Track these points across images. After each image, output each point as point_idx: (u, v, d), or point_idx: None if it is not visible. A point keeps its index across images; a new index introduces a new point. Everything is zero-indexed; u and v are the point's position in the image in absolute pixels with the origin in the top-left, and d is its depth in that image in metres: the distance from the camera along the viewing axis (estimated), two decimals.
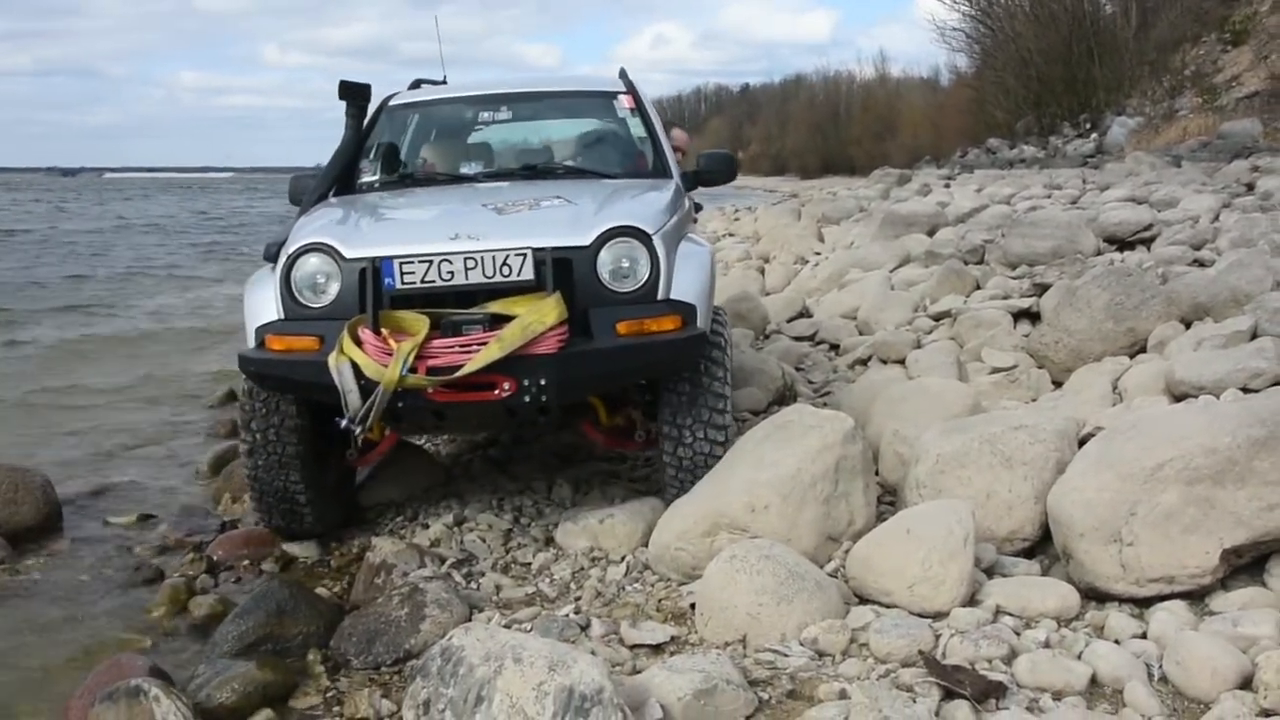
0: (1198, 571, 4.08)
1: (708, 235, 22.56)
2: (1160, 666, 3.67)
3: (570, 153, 7.15)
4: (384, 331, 4.63)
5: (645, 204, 5.44)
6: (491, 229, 4.89)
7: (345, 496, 5.94)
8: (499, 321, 4.62)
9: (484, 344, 4.54)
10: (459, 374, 4.52)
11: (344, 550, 5.68)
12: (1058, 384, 7.01)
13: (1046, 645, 3.84)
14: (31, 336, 15.32)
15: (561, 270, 4.72)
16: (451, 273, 4.70)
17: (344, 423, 4.70)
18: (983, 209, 14.77)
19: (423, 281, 4.71)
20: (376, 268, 4.74)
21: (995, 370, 7.29)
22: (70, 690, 4.14)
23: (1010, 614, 4.08)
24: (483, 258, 4.68)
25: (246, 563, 5.57)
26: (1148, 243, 10.40)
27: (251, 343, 5.02)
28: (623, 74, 7.31)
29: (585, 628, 4.26)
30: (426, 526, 5.64)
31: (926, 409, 5.77)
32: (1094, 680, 3.61)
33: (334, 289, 4.87)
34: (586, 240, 4.81)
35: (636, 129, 6.88)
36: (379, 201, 6.19)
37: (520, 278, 4.68)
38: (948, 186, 24.16)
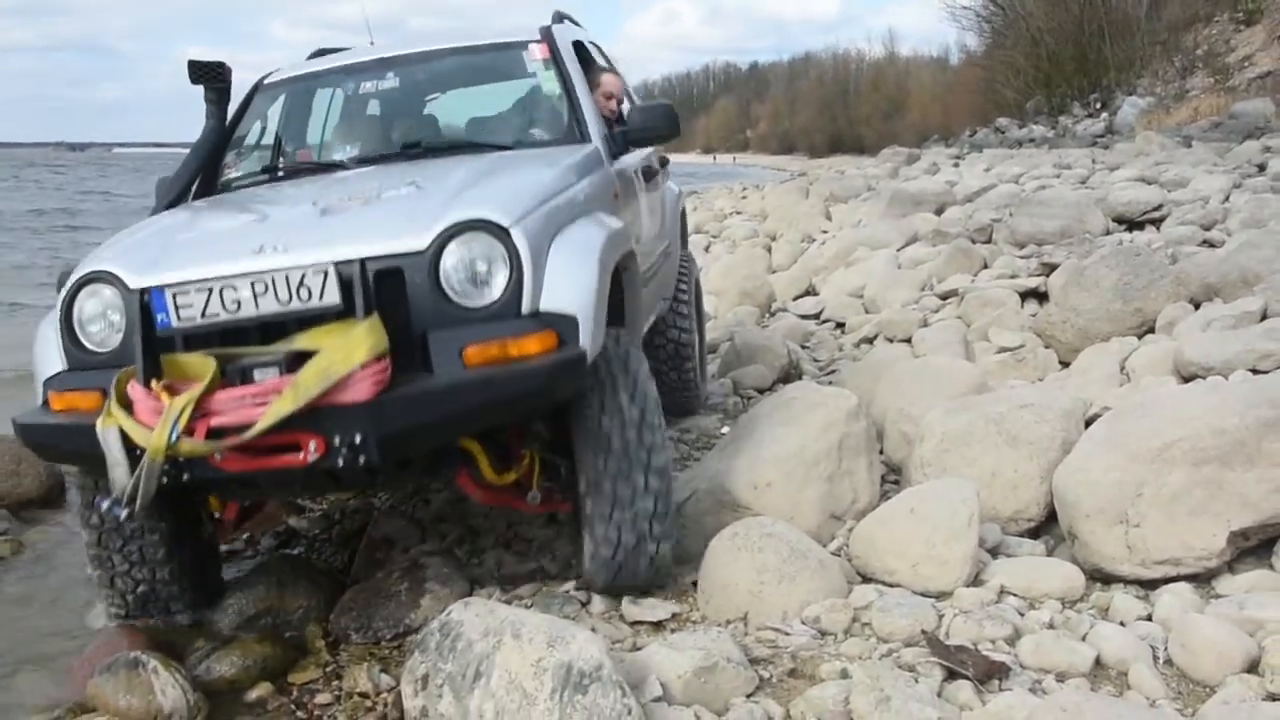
0: (1204, 554, 4.03)
1: (713, 214, 22.55)
2: (1165, 649, 3.63)
3: (464, 122, 5.99)
4: (154, 385, 3.68)
5: (514, 184, 4.27)
6: (302, 237, 3.86)
7: (213, 573, 4.76)
8: (301, 361, 3.61)
9: (280, 391, 3.55)
10: (245, 436, 3.54)
11: (345, 525, 5.65)
12: (1065, 364, 6.97)
13: (1051, 626, 3.81)
14: None
15: (389, 286, 3.71)
16: (238, 302, 3.71)
17: (105, 505, 3.72)
18: (991, 188, 14.71)
19: (204, 316, 3.73)
20: (145, 303, 3.78)
21: (1002, 349, 7.26)
22: (72, 661, 4.19)
23: (1015, 594, 4.04)
24: (273, 279, 3.69)
25: (246, 536, 5.54)
26: (1157, 223, 10.34)
27: (39, 399, 4.08)
28: (555, 17, 6.19)
29: (586, 604, 4.23)
30: (428, 502, 5.61)
31: (932, 388, 5.73)
32: (1098, 662, 3.57)
33: (122, 329, 3.90)
34: (422, 243, 3.74)
35: (550, 85, 5.57)
36: (209, 207, 5.13)
37: (324, 302, 3.68)
38: (956, 166, 24.07)
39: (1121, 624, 3.81)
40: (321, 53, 6.44)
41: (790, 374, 7.60)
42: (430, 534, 5.04)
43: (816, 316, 9.87)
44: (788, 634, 3.84)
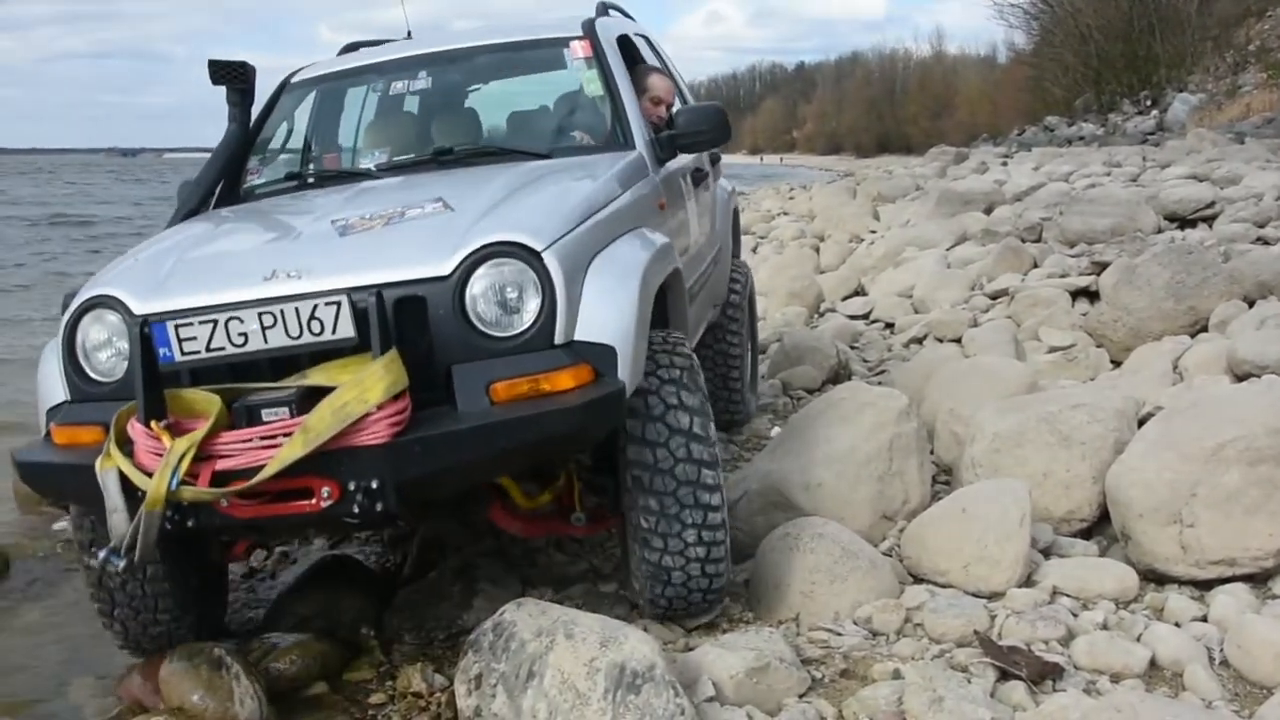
0: (1260, 554, 3.99)
1: (761, 215, 22.52)
2: (1221, 650, 3.60)
3: (502, 125, 5.60)
4: (155, 424, 3.40)
5: (549, 201, 3.99)
6: (316, 262, 3.56)
7: (220, 602, 4.60)
8: (314, 399, 3.32)
9: (290, 433, 3.27)
10: (253, 482, 3.26)
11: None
12: (1116, 363, 6.93)
13: (1104, 627, 3.78)
14: None
15: (410, 315, 3.42)
16: (245, 335, 3.42)
17: (102, 555, 3.41)
18: (1040, 187, 14.62)
19: (209, 350, 3.44)
20: (146, 332, 3.48)
21: (1053, 349, 7.23)
22: (123, 662, 4.26)
23: (1068, 595, 4.02)
24: (283, 311, 3.40)
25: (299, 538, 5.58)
26: (1209, 220, 10.26)
27: (42, 431, 3.83)
28: (599, 9, 5.77)
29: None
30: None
31: (983, 388, 5.70)
32: (1153, 663, 3.54)
33: (129, 357, 3.59)
34: (446, 268, 3.44)
35: (592, 86, 5.19)
36: (226, 220, 4.78)
37: (337, 335, 3.40)
38: (1005, 164, 23.93)
39: (1176, 625, 3.78)
40: (354, 47, 6.14)
41: (839, 374, 7.59)
42: (482, 534, 5.06)
43: (865, 317, 9.85)
44: (840, 634, 3.84)
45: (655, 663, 3.16)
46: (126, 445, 3.42)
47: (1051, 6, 45.21)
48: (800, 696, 3.44)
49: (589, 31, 5.32)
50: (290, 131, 5.54)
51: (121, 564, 3.37)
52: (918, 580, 4.25)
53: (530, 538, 4.46)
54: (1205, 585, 4.05)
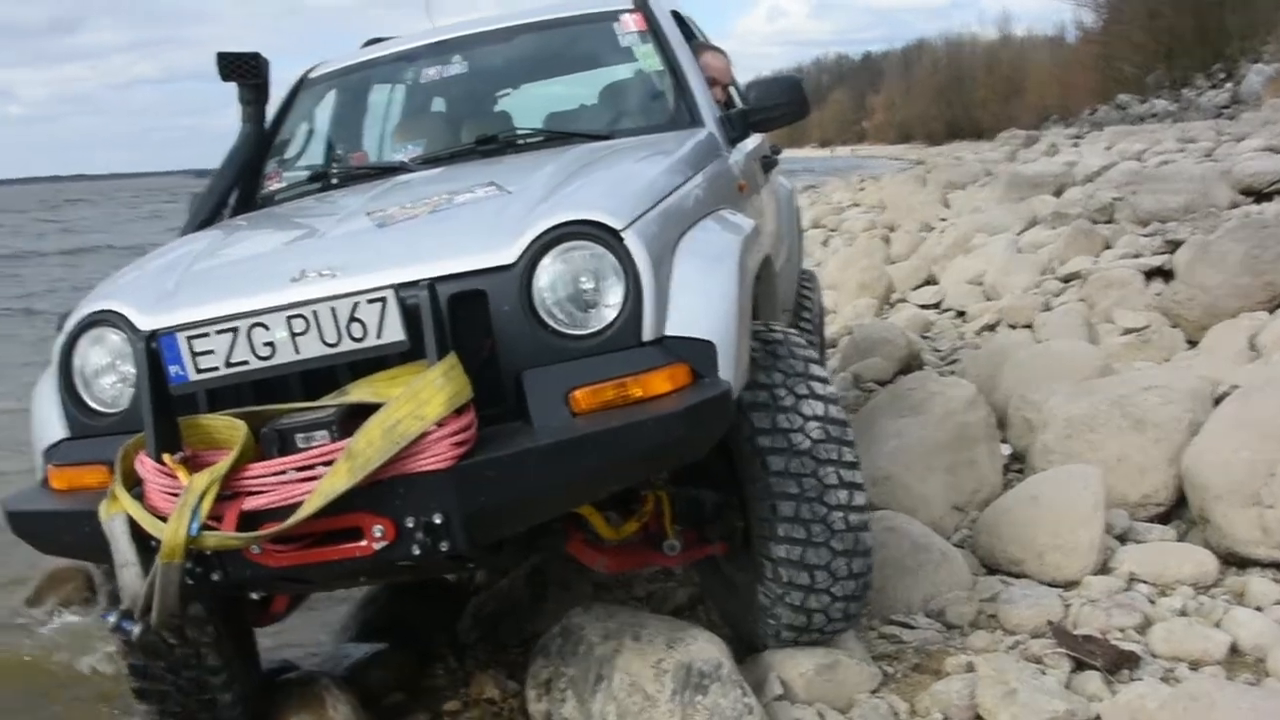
0: None
1: (831, 207, 22.42)
2: None
3: (549, 108, 5.09)
4: (167, 459, 2.85)
5: (620, 178, 3.50)
6: (353, 257, 3.06)
7: (255, 665, 3.92)
8: (362, 418, 2.76)
9: (331, 462, 2.72)
10: (289, 523, 2.71)
11: None
12: (1193, 343, 6.77)
13: (1183, 613, 3.71)
14: None
15: (469, 314, 2.89)
16: (271, 344, 2.87)
17: (112, 620, 2.92)
18: (1111, 166, 14.39)
19: (228, 365, 2.88)
20: (153, 350, 2.91)
21: (1127, 331, 7.09)
22: None
23: (1144, 581, 3.96)
24: (316, 313, 2.85)
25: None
26: None
27: (38, 475, 3.26)
28: None
29: (701, 603, 4.23)
30: None
31: (1055, 372, 5.62)
32: (1234, 649, 3.47)
33: (135, 384, 3.07)
34: (509, 255, 2.92)
35: (649, 61, 4.67)
36: (243, 226, 4.31)
37: (383, 340, 2.83)
38: (1076, 145, 23.66)
39: (1258, 609, 3.70)
40: (375, 42, 5.55)
41: (911, 365, 7.51)
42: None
43: (936, 306, 9.75)
44: (912, 628, 3.80)
45: (722, 662, 3.15)
46: (135, 485, 2.88)
47: None
48: (872, 692, 3.40)
49: (640, 4, 4.81)
50: (311, 131, 4.99)
51: (136, 629, 2.86)
52: (992, 570, 4.20)
53: (617, 573, 3.94)
54: None
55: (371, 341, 2.84)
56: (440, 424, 2.71)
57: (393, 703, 3.99)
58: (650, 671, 3.17)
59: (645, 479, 3.25)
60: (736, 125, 4.48)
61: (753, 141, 4.93)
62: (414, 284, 2.84)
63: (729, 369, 2.93)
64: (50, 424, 3.21)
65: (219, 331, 2.88)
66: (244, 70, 4.64)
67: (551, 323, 2.91)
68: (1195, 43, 38.28)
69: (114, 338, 3.13)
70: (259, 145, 4.76)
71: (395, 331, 2.82)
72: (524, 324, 2.89)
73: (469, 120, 4.93)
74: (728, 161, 4.21)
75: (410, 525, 2.75)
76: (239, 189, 4.67)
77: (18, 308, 19.95)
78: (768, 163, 5.46)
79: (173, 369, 2.90)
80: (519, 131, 4.59)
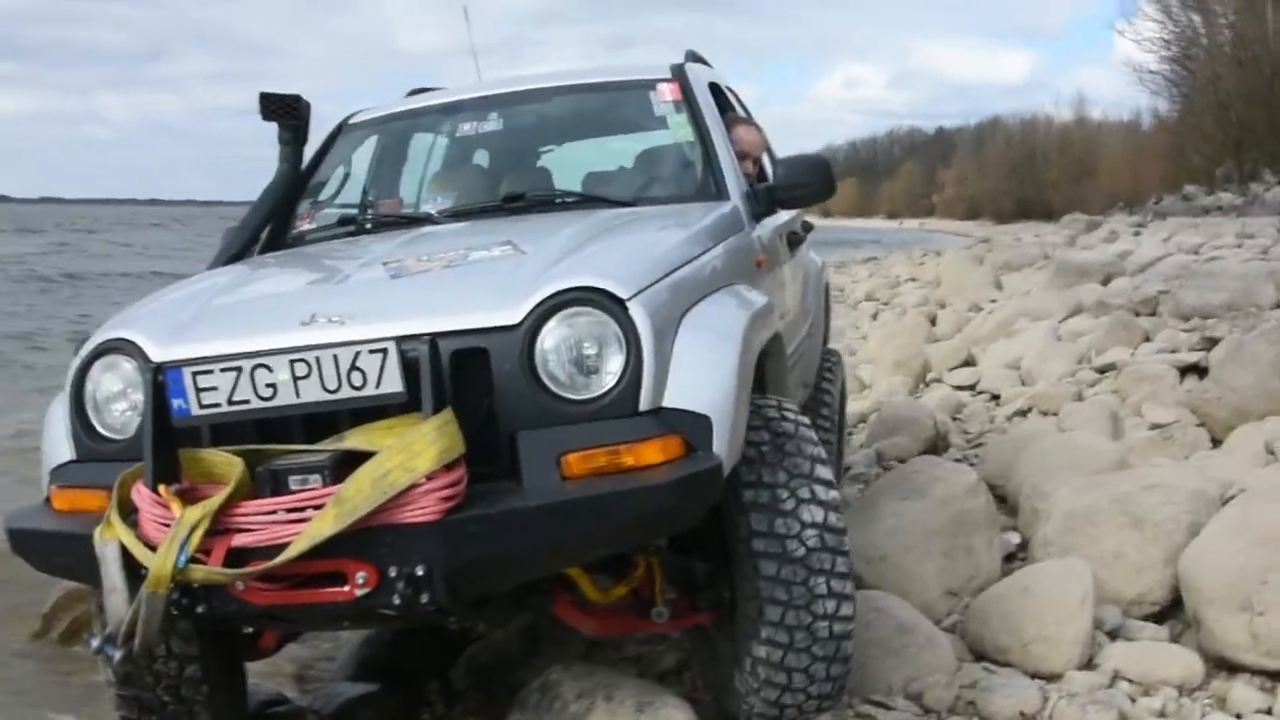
0: None
1: (888, 281, 22.45)
2: None
3: (580, 171, 5.16)
4: (163, 490, 2.92)
5: (633, 247, 3.58)
6: (362, 305, 3.13)
7: (243, 702, 4.05)
8: (355, 465, 2.83)
9: (321, 506, 2.79)
10: (274, 562, 2.78)
11: None
12: (1218, 442, 6.76)
13: (1162, 715, 3.74)
14: None
15: (469, 370, 2.95)
16: (273, 386, 2.95)
17: (95, 643, 3.00)
18: (1163, 259, 14.36)
19: (230, 403, 2.97)
20: (159, 382, 3.01)
21: (1154, 426, 7.08)
22: None
23: (1129, 679, 3.96)
24: (318, 359, 2.93)
25: None
26: None
27: (44, 493, 3.36)
28: (688, 56, 5.31)
29: (688, 668, 4.28)
30: None
31: (1071, 464, 5.63)
32: None
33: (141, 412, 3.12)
34: (514, 316, 2.98)
35: (681, 131, 4.77)
36: (268, 264, 4.45)
37: (381, 390, 2.91)
38: (1137, 234, 23.60)
39: (1238, 716, 3.72)
40: (420, 92, 5.65)
41: (937, 446, 7.53)
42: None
43: (972, 388, 9.75)
44: (890, 709, 3.83)
45: None
46: (131, 514, 2.96)
47: (1192, 73, 44.37)
48: None
49: (678, 74, 4.94)
50: (347, 175, 5.11)
51: (118, 655, 2.90)
52: (979, 658, 4.22)
53: (603, 637, 3.96)
54: (1277, 677, 3.96)
55: (370, 391, 2.90)
56: (430, 477, 2.76)
57: None
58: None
59: (633, 546, 3.27)
60: (762, 200, 4.54)
61: (782, 216, 5.03)
62: (416, 336, 2.90)
63: (723, 444, 2.97)
64: (59, 445, 3.30)
65: (223, 369, 2.96)
66: (284, 111, 4.77)
67: (551, 385, 2.95)
68: (1266, 135, 38.04)
69: (126, 366, 3.19)
70: (294, 185, 4.87)
71: (394, 383, 2.89)
72: (523, 385, 2.94)
73: (501, 176, 5.05)
74: (749, 235, 4.28)
75: (393, 574, 2.80)
76: (271, 226, 4.80)
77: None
78: (794, 239, 5.54)
79: (176, 402, 2.98)
80: (545, 192, 4.72)
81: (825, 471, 3.40)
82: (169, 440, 2.98)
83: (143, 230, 69.42)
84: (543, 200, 4.57)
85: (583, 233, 3.63)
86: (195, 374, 2.97)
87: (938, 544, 4.59)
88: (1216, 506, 4.67)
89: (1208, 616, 4.09)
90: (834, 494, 3.38)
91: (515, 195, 4.58)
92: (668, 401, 2.98)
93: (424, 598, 2.81)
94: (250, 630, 3.67)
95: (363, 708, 4.28)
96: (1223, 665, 4.05)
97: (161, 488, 2.91)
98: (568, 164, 5.30)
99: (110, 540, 2.90)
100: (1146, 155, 56.94)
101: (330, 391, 2.93)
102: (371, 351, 2.90)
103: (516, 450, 2.91)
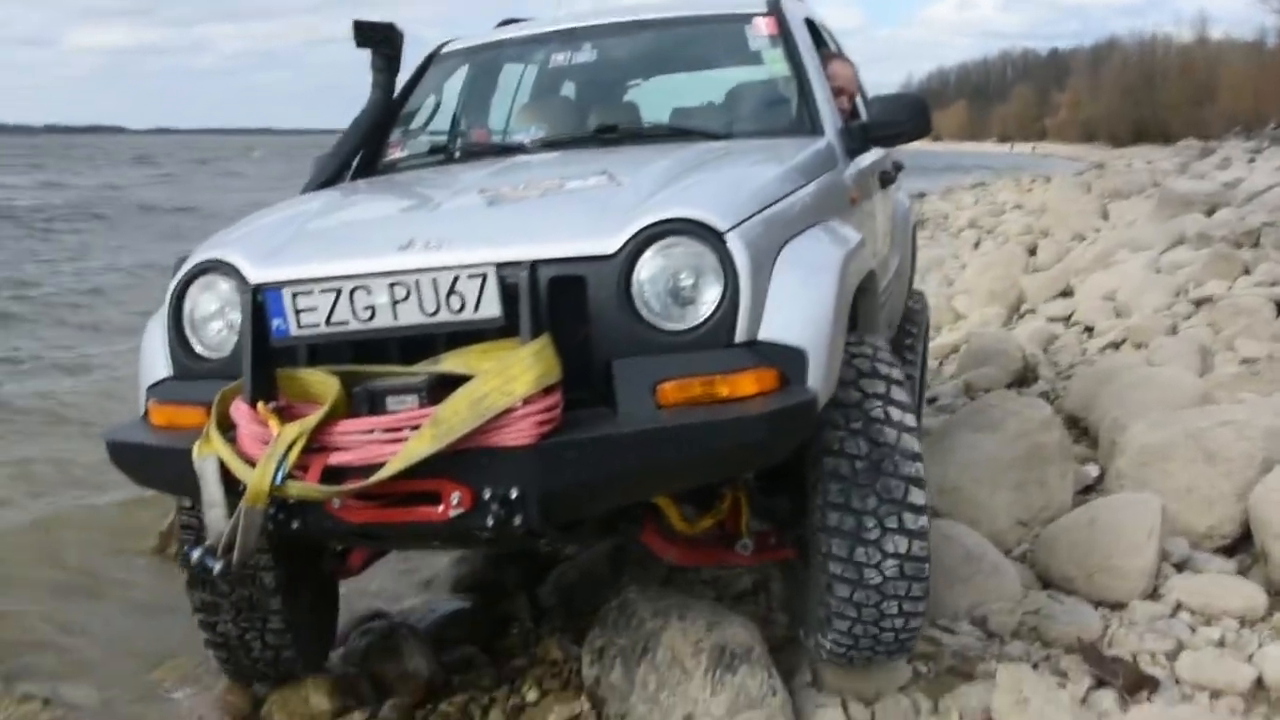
0: None
1: (993, 208, 22.20)
2: None
3: (675, 104, 5.12)
4: (260, 407, 2.98)
5: (731, 180, 3.53)
6: (460, 231, 3.17)
7: (329, 625, 4.24)
8: (452, 387, 2.87)
9: (418, 426, 2.84)
10: (370, 481, 2.83)
11: None
12: None
13: (1221, 644, 3.84)
14: None
15: (566, 297, 2.96)
16: (371, 308, 2.98)
17: (196, 555, 3.01)
18: (1270, 189, 14.05)
19: (329, 324, 3.01)
20: (259, 302, 3.07)
21: (1245, 361, 7.08)
22: None
23: (1191, 610, 4.07)
24: (418, 282, 2.95)
25: None
26: None
27: (140, 409, 3.42)
28: None
29: (764, 589, 4.46)
30: None
31: (1152, 398, 5.69)
32: (1259, 683, 3.58)
33: (238, 331, 3.20)
34: (612, 244, 2.98)
35: (777, 66, 4.72)
36: (361, 190, 4.47)
37: (479, 315, 2.93)
38: (1252, 161, 22.94)
39: None
40: (509, 23, 5.61)
41: (1026, 377, 7.61)
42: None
43: (1067, 319, 9.74)
44: (954, 633, 3.99)
45: (753, 646, 3.42)
46: (229, 430, 3.02)
47: None
48: (900, 689, 3.60)
49: (774, 8, 4.85)
50: (438, 104, 5.11)
51: (218, 566, 2.96)
52: (1046, 586, 4.35)
53: (688, 567, 4.00)
54: None
55: (468, 315, 2.93)
56: (526, 401, 2.79)
57: (464, 655, 4.29)
58: (689, 648, 3.44)
59: (725, 477, 3.30)
60: (856, 138, 4.48)
61: (873, 155, 4.94)
62: (515, 263, 2.93)
63: (818, 378, 2.96)
64: (156, 362, 3.36)
65: (322, 291, 3.00)
66: (379, 39, 4.81)
67: (647, 315, 2.95)
68: None
69: (224, 286, 3.24)
70: (386, 113, 4.90)
71: (492, 307, 2.92)
72: (620, 313, 2.94)
73: (593, 108, 5.05)
74: (843, 173, 4.24)
75: (487, 497, 2.84)
76: (362, 154, 4.84)
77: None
78: (886, 178, 5.51)
79: (275, 322, 3.03)
80: (639, 124, 4.79)
81: (906, 393, 3.39)
82: (267, 359, 3.05)
83: (253, 161, 70.34)
84: (635, 132, 4.60)
85: (678, 165, 3.61)
86: (295, 294, 3.01)
87: (1010, 476, 4.72)
88: None
89: (1275, 550, 4.19)
90: (912, 415, 3.36)
91: (608, 126, 4.59)
92: (763, 334, 2.97)
93: (517, 520, 2.85)
94: (339, 549, 3.87)
95: (454, 624, 4.53)
96: None
97: (260, 405, 2.97)
98: (660, 96, 5.27)
99: (209, 455, 2.97)
100: (1272, 75, 55.19)
101: (429, 315, 2.96)
102: (470, 276, 2.92)
103: (612, 377, 2.92)
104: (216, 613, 3.81)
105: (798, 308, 3.03)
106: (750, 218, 3.10)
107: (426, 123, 5.03)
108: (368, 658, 4.17)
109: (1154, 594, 4.18)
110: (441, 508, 2.88)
